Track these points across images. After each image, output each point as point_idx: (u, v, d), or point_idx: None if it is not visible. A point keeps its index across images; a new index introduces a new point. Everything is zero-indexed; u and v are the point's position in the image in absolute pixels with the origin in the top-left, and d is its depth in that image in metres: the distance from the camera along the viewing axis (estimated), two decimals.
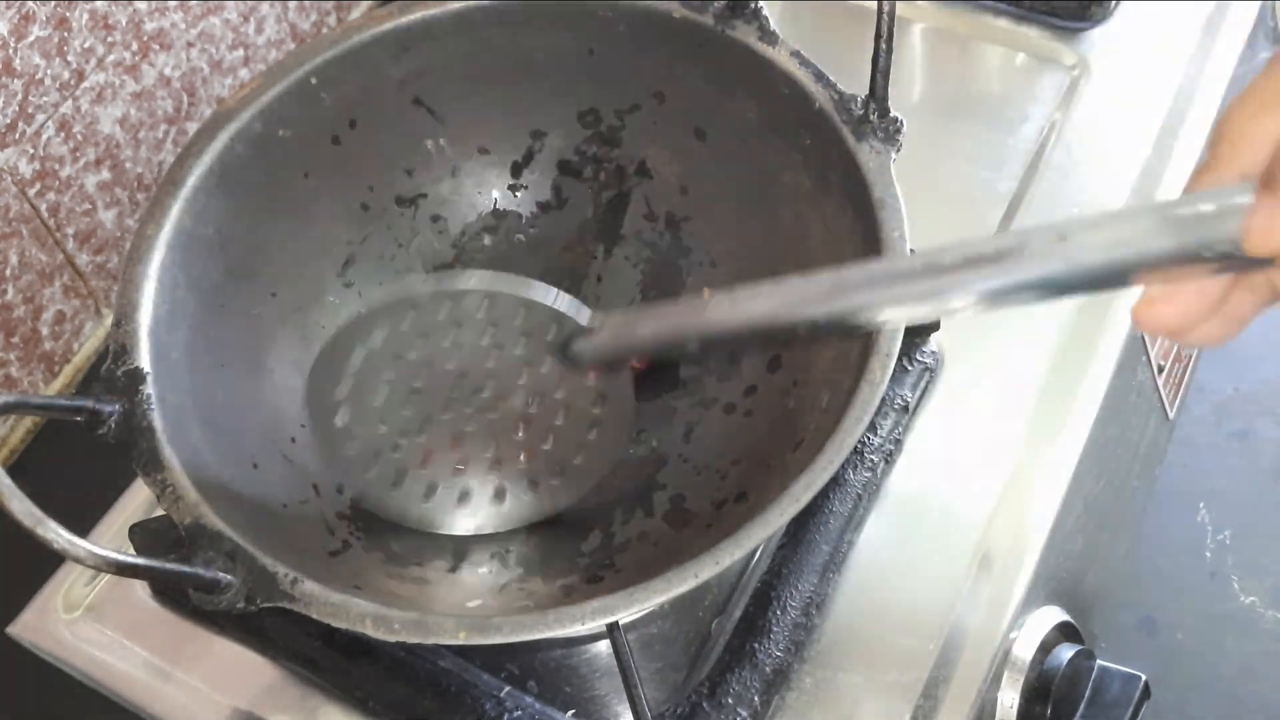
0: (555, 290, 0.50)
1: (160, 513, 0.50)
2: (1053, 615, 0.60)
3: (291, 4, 0.86)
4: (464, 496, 0.56)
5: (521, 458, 0.55)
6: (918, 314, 0.43)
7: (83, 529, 0.64)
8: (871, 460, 0.60)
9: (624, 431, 0.55)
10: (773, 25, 0.58)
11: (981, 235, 0.40)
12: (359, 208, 0.64)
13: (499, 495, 0.56)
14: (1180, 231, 0.32)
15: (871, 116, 0.54)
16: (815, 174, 0.57)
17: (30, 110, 0.69)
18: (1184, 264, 0.33)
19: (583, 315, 0.50)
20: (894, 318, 0.45)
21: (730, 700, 0.54)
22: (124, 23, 0.73)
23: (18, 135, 0.68)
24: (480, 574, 0.58)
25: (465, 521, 0.57)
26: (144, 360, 0.52)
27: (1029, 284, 0.35)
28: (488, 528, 0.57)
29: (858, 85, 0.55)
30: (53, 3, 0.68)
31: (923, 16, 0.80)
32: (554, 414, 0.54)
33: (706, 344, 0.47)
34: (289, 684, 0.59)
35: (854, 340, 0.51)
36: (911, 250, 0.51)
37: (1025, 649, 0.57)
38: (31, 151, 0.70)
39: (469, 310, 0.50)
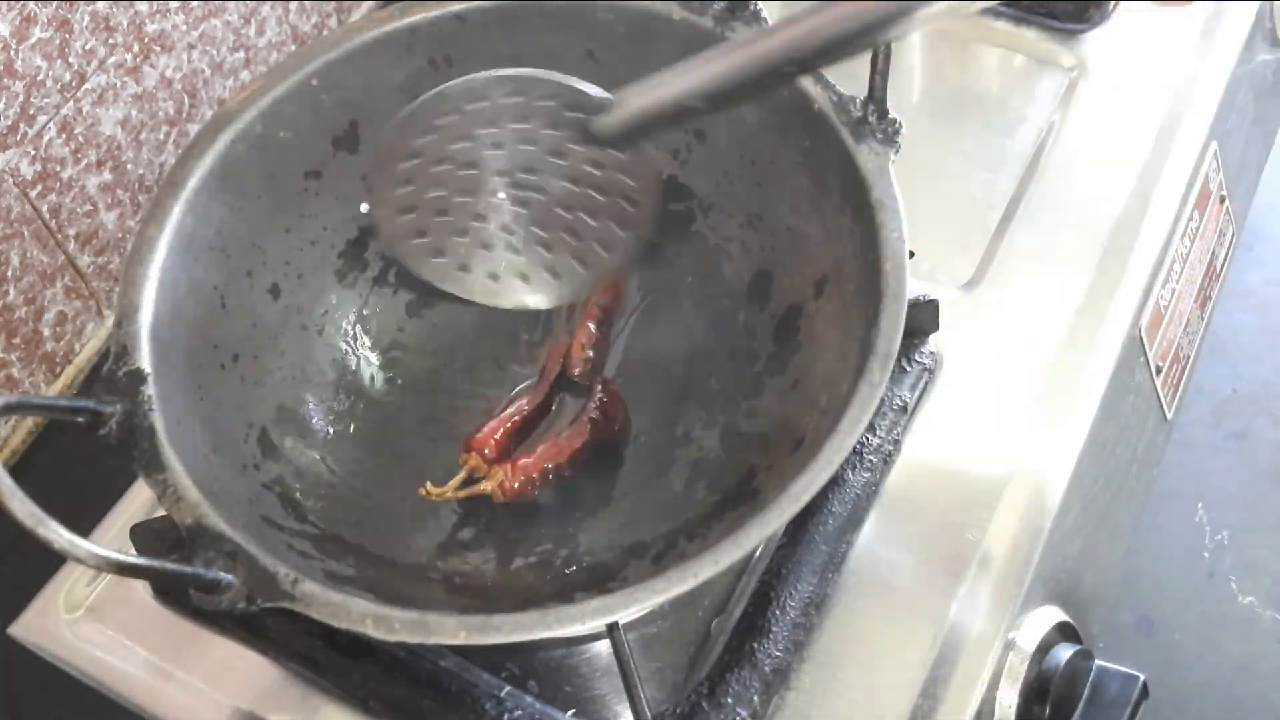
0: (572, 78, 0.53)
1: (161, 513, 0.50)
2: (1051, 615, 0.60)
3: (293, 5, 0.86)
4: (493, 275, 0.60)
5: (548, 241, 0.59)
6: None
7: (84, 529, 0.64)
8: (870, 461, 0.60)
9: (648, 222, 0.57)
10: None
11: None
12: (359, 209, 0.64)
13: (524, 277, 0.60)
14: None
15: (870, 118, 0.55)
16: (814, 175, 0.57)
17: (32, 112, 0.69)
18: None
19: (600, 94, 0.52)
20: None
21: (730, 700, 0.54)
22: (125, 25, 0.73)
23: (19, 137, 0.69)
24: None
25: (492, 294, 0.60)
26: (145, 361, 0.52)
27: None
28: (505, 302, 0.61)
29: (857, 87, 0.55)
30: (54, 4, 0.68)
31: None
32: (581, 202, 0.57)
33: (722, 95, 0.48)
34: (290, 684, 0.59)
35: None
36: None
37: (1024, 649, 0.57)
38: (33, 153, 0.70)
39: (504, 108, 0.55)
